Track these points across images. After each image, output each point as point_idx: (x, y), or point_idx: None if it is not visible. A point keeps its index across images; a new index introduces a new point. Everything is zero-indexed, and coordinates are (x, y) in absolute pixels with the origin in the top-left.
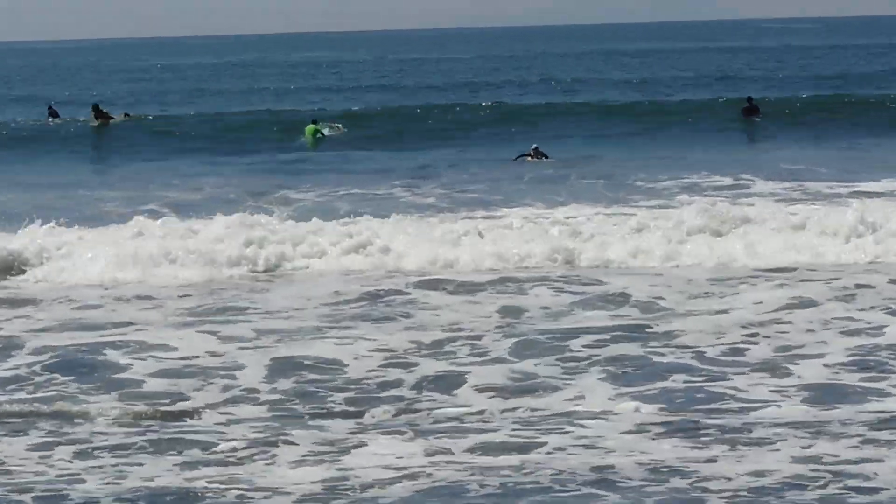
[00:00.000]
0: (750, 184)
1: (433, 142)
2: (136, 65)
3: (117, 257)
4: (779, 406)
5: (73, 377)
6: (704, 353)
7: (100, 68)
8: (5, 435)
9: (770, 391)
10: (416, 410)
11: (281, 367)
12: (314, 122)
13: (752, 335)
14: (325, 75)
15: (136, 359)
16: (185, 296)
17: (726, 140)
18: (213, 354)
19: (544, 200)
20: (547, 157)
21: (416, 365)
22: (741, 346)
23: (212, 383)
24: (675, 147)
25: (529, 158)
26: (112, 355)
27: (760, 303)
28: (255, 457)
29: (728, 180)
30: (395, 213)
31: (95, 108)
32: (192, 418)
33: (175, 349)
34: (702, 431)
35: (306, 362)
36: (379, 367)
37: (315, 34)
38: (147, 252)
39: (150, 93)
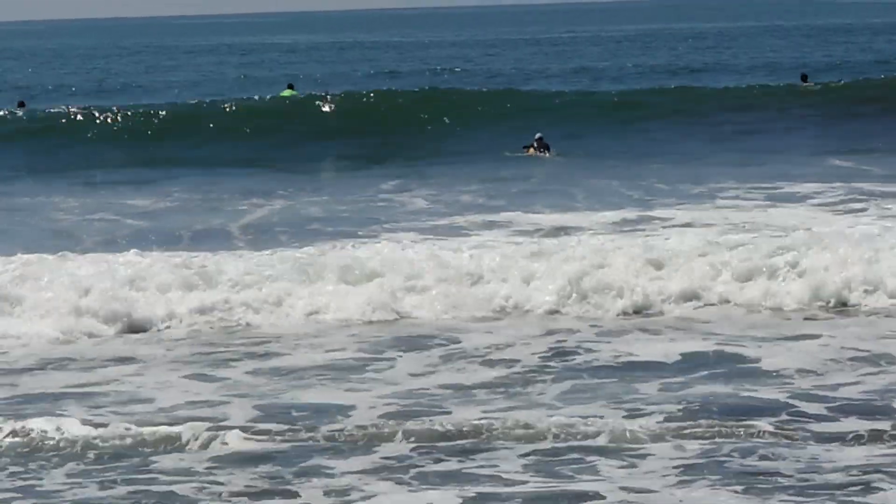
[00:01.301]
0: (789, 187)
1: (424, 132)
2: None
3: None
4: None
5: None
6: (790, 389)
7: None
8: None
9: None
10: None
11: (274, 412)
12: (290, 87)
13: (855, 370)
14: (292, 60)
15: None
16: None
17: (768, 133)
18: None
19: (554, 206)
20: (549, 151)
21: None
22: (838, 383)
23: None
24: (707, 141)
25: (531, 151)
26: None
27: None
28: None
29: (765, 183)
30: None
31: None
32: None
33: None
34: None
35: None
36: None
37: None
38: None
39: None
